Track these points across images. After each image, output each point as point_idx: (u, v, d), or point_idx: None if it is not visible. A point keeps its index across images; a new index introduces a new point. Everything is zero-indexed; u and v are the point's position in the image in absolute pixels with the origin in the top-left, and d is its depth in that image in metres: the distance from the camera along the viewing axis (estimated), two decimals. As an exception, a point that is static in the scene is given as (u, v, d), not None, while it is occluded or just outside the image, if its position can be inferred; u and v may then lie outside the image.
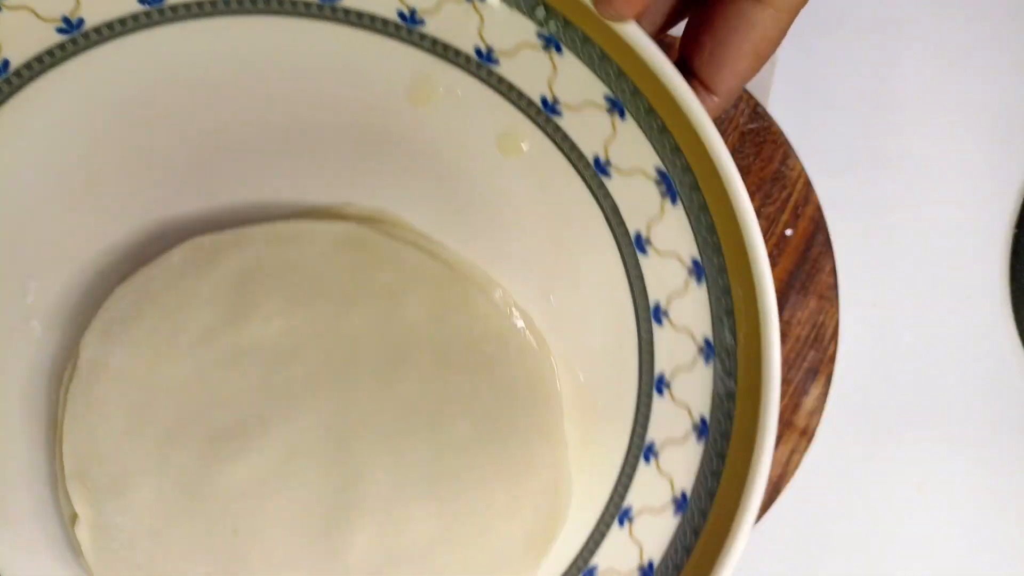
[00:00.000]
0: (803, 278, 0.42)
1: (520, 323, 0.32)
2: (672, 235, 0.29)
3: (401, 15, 0.29)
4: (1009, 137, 0.46)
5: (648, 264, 0.30)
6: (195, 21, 0.30)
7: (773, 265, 0.42)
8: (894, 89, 0.45)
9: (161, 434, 0.32)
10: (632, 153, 0.29)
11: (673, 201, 0.29)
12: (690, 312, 0.30)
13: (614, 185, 0.30)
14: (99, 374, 0.32)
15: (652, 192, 0.29)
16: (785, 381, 0.42)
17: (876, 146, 0.45)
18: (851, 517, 0.46)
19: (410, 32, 0.29)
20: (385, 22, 0.29)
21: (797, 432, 0.42)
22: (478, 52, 0.29)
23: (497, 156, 0.31)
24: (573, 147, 0.30)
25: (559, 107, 0.29)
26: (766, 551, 0.45)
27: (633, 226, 0.30)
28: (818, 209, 0.42)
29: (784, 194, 0.42)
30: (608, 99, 0.28)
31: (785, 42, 0.44)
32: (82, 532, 0.32)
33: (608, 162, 0.29)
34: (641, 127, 0.28)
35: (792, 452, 0.42)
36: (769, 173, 0.42)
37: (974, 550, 0.46)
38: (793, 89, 0.45)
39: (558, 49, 0.28)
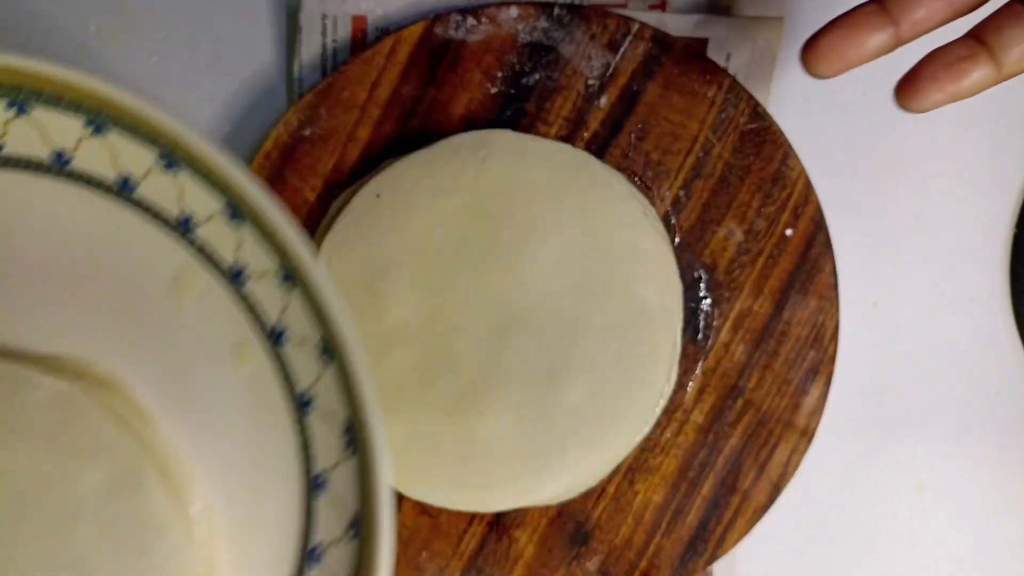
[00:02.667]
0: (803, 278, 0.42)
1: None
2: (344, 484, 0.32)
3: (179, 219, 0.33)
4: (1009, 137, 0.46)
5: (317, 505, 0.32)
6: None
7: (773, 265, 0.42)
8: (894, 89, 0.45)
9: None
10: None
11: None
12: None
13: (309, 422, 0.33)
14: None
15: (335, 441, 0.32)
16: (785, 381, 0.42)
17: (876, 146, 0.45)
18: (851, 517, 0.46)
19: (183, 234, 0.33)
20: (166, 219, 0.33)
21: (797, 432, 0.42)
22: (232, 267, 0.33)
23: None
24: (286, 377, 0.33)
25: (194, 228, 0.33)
26: (766, 551, 0.45)
27: (315, 467, 0.32)
28: (818, 209, 0.42)
29: (784, 194, 0.42)
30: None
31: (784, 43, 0.44)
32: None
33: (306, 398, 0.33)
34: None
35: (792, 452, 0.42)
36: (769, 173, 0.42)
37: (976, 550, 0.46)
38: (793, 89, 0.45)
39: (293, 284, 0.32)
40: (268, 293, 0.32)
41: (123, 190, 0.33)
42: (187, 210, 0.32)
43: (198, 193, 0.32)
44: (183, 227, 0.33)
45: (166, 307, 0.33)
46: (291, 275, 0.32)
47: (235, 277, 0.32)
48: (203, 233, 0.33)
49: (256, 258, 0.32)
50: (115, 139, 0.32)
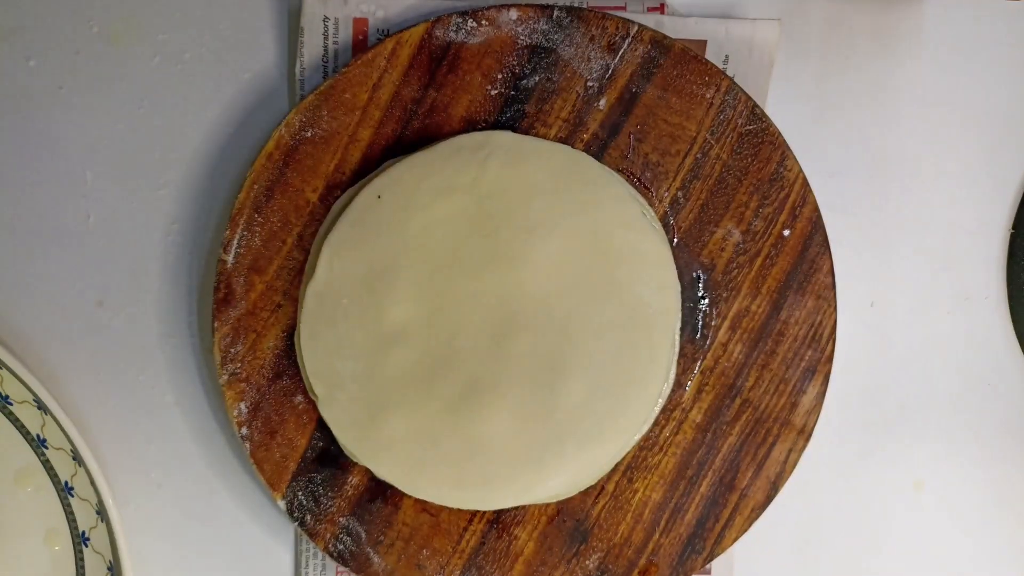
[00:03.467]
0: (801, 278, 0.43)
1: None
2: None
3: (37, 436, 0.43)
4: (1007, 138, 0.46)
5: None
6: None
7: (771, 265, 0.43)
8: (892, 90, 0.45)
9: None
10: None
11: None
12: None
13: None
14: None
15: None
16: (783, 380, 0.43)
17: (874, 147, 0.45)
18: (848, 515, 0.46)
19: (37, 447, 0.44)
20: (28, 431, 0.44)
21: (795, 431, 0.43)
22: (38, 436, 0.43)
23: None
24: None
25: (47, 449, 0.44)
26: (764, 549, 0.45)
27: None
28: (816, 209, 0.42)
29: (782, 195, 0.42)
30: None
31: (783, 44, 0.44)
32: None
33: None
34: None
35: (790, 451, 0.43)
36: (767, 174, 0.42)
37: (971, 548, 0.46)
38: (791, 90, 0.45)
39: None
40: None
41: (2, 400, 0.43)
42: (43, 436, 0.43)
43: (55, 431, 0.42)
44: (39, 443, 0.43)
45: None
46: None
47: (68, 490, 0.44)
48: (51, 454, 0.43)
49: (82, 486, 0.43)
50: (5, 373, 0.42)
